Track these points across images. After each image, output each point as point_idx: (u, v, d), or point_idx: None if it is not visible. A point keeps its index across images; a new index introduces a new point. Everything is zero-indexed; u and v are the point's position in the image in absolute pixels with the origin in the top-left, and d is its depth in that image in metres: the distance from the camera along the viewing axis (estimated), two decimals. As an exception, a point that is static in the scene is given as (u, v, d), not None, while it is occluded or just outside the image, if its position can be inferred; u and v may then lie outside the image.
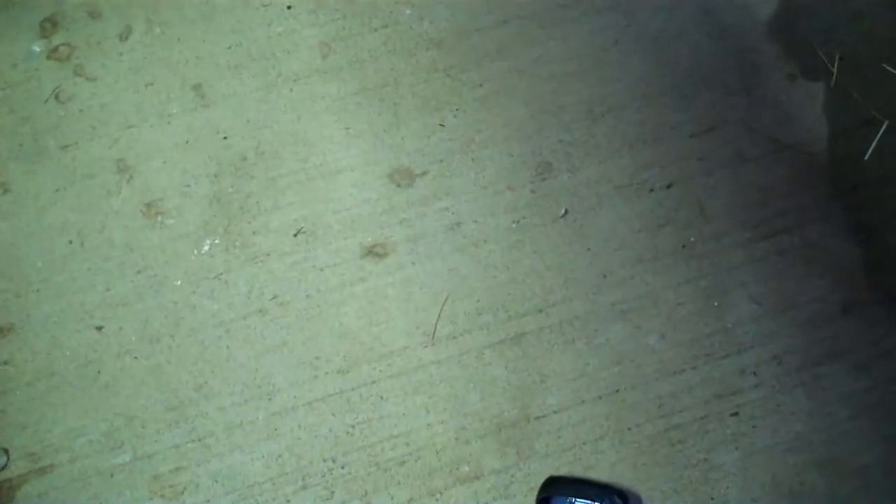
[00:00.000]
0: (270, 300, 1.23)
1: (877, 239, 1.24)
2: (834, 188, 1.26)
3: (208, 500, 1.16)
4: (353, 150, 1.30)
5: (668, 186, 1.27)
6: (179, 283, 1.24)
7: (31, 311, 1.23)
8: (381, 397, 1.22)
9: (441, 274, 1.24)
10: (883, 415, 1.20)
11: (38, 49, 1.38)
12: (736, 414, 1.19)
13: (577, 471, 1.14)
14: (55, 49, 1.38)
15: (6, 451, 1.14)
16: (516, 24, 1.39)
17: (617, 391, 1.21)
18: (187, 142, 1.28)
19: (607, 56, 1.36)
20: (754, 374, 1.23)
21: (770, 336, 1.26)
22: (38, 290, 1.24)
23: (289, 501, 1.16)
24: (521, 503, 1.13)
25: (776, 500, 1.16)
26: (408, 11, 1.38)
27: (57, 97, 1.34)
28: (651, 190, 1.27)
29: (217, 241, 1.25)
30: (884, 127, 1.27)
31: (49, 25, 1.40)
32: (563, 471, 1.15)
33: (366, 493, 1.16)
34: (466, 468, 1.14)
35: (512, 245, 1.25)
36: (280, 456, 1.18)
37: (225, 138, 1.27)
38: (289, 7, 1.40)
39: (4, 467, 1.16)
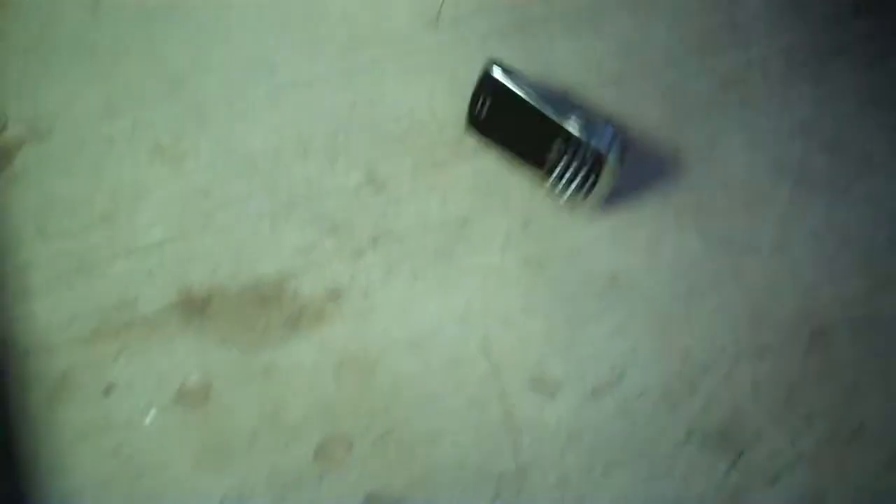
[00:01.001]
0: (269, -15, 1.24)
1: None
2: None
3: (210, 166, 1.20)
4: None
5: None
6: (177, -38, 1.25)
7: (24, -13, 1.23)
8: (383, 77, 1.25)
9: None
10: (888, 107, 1.27)
11: None
12: (743, 101, 1.26)
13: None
14: None
15: (3, 118, 1.20)
16: None
17: (623, 77, 1.25)
18: None
19: None
20: (761, 66, 1.28)
21: (779, 31, 1.30)
22: (31, -32, 1.24)
23: (290, 168, 1.20)
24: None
25: (779, 180, 1.22)
26: None
27: None
28: None
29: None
30: None
31: None
32: None
33: (368, 162, 1.20)
34: (469, 144, 1.20)
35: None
36: (281, 127, 1.22)
37: None
38: None
39: (3, 131, 1.20)
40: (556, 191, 1.18)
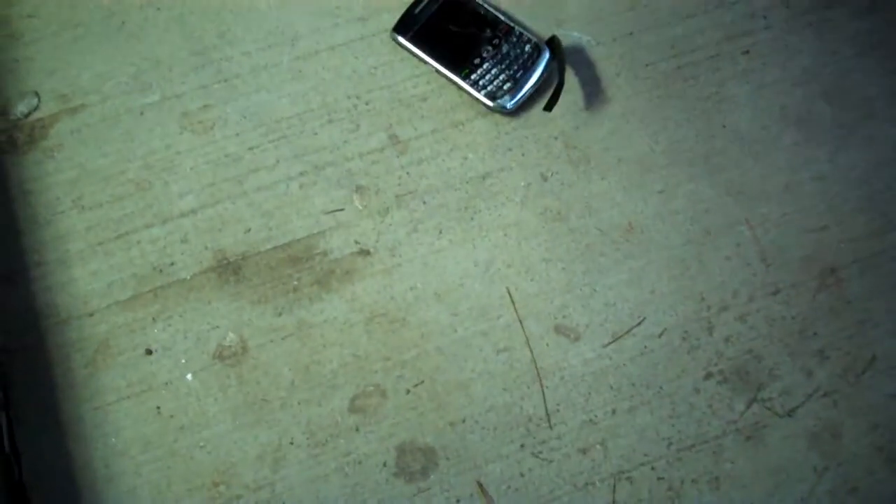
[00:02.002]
0: (289, -46, 1.18)
1: None
2: None
3: (237, 133, 1.16)
4: None
5: None
6: (198, -60, 1.19)
7: (51, -32, 1.18)
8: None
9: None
10: (888, 52, 1.22)
11: None
12: (747, 52, 1.19)
13: (599, 100, 1.10)
14: None
15: (37, 94, 1.15)
16: None
17: (631, 33, 1.22)
18: None
19: None
20: (764, 17, 1.24)
21: (780, -15, 1.18)
22: (57, -50, 1.19)
23: (316, 134, 1.16)
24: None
25: (785, 127, 1.17)
26: None
27: None
28: None
29: None
30: None
31: None
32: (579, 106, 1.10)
33: (390, 125, 1.16)
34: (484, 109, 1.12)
35: None
36: (305, 94, 1.18)
37: None
38: None
39: (36, 108, 1.16)
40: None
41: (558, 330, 1.07)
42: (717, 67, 1.20)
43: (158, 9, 1.23)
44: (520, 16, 1.21)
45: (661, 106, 1.19)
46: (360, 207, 1.14)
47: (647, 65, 1.20)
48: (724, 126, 1.18)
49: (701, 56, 1.20)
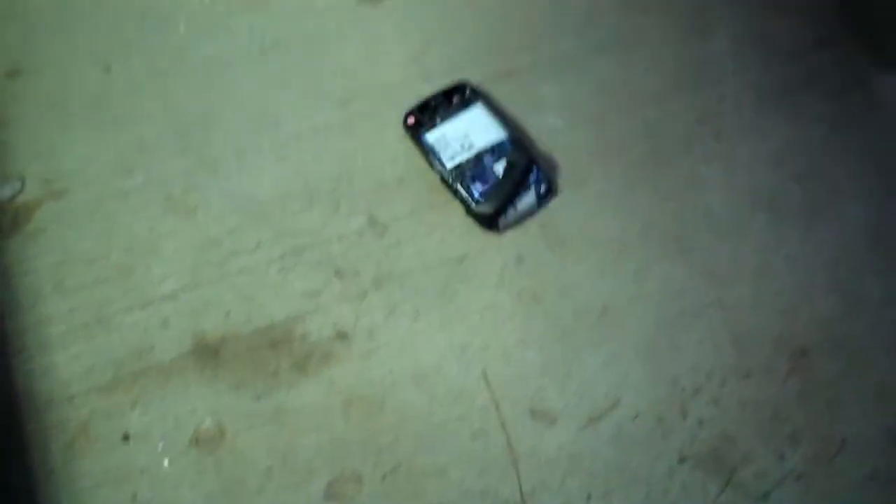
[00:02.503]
0: (272, 41, 1.23)
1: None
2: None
3: (219, 216, 1.15)
4: None
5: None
6: (183, 28, 1.23)
7: (39, 54, 1.22)
8: (382, 126, 1.21)
9: (435, 17, 1.24)
10: (854, 134, 1.23)
11: None
12: (718, 135, 1.19)
13: (570, 186, 1.10)
14: None
15: (22, 178, 1.13)
16: None
17: (604, 116, 1.21)
18: None
19: None
20: (734, 100, 1.23)
21: (748, 67, 1.26)
22: (45, 37, 1.24)
23: (296, 216, 1.15)
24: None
25: (756, 209, 1.17)
26: None
27: None
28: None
29: (218, -11, 1.21)
30: None
31: None
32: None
33: (370, 207, 1.16)
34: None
35: (502, -11, 1.20)
36: (287, 177, 1.18)
37: None
38: None
39: (20, 192, 1.15)
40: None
41: (534, 413, 1.06)
42: (689, 150, 1.20)
43: (143, 94, 1.22)
44: (496, 100, 1.22)
45: (634, 188, 1.18)
46: (339, 290, 1.12)
47: (619, 147, 1.20)
48: (695, 207, 1.17)
49: (673, 139, 1.20)
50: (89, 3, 1.26)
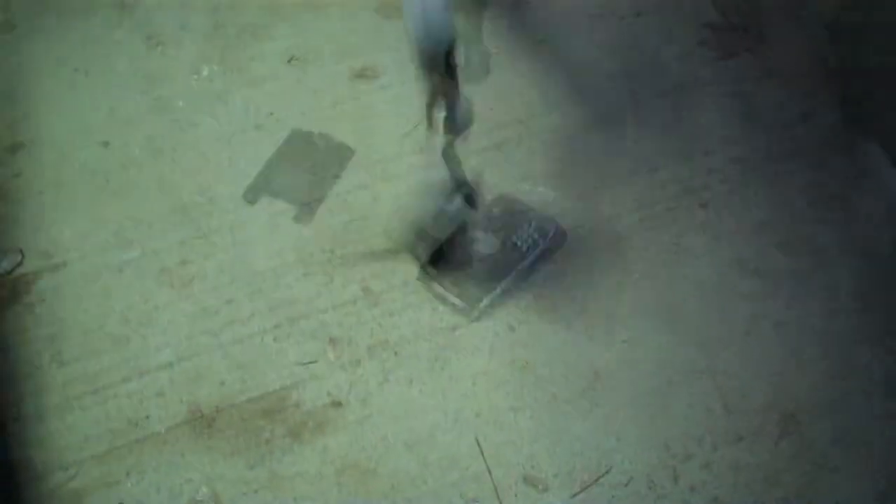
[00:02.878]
0: (267, 117, 1.29)
1: (833, 54, 1.37)
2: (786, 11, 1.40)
3: (215, 287, 1.20)
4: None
5: (637, 15, 1.33)
6: (181, 103, 1.29)
7: (39, 131, 1.28)
8: (375, 198, 1.27)
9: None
10: (837, 204, 1.28)
11: None
12: (704, 205, 1.24)
13: (558, 259, 1.17)
14: None
15: (20, 251, 1.18)
16: None
17: (595, 188, 1.26)
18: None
19: None
20: (721, 171, 1.29)
21: (735, 140, 1.32)
22: (46, 113, 1.29)
23: (291, 287, 1.20)
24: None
25: (742, 276, 1.22)
26: None
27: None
28: (622, 18, 1.33)
29: (215, 67, 1.31)
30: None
31: None
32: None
33: (363, 277, 1.20)
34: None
35: (494, 66, 1.29)
36: (282, 249, 1.23)
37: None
38: None
39: (20, 265, 1.20)
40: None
41: (527, 480, 1.09)
42: (676, 219, 1.26)
43: (141, 168, 1.28)
44: (488, 173, 1.27)
45: (624, 257, 1.23)
46: (333, 359, 1.16)
47: (609, 218, 1.25)
48: (684, 276, 1.22)
49: (661, 209, 1.26)
50: (89, 82, 1.35)
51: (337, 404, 1.13)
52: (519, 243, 1.23)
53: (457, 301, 1.17)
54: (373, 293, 1.20)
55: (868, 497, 1.08)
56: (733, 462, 1.12)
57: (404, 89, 1.34)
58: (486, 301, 1.18)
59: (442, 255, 1.16)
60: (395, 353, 1.17)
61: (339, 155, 1.30)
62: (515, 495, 1.09)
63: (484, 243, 1.21)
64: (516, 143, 1.31)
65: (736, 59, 1.38)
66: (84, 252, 1.23)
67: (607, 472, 1.11)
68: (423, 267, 1.17)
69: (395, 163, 1.30)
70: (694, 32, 1.40)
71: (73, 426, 1.11)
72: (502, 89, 1.33)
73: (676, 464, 1.11)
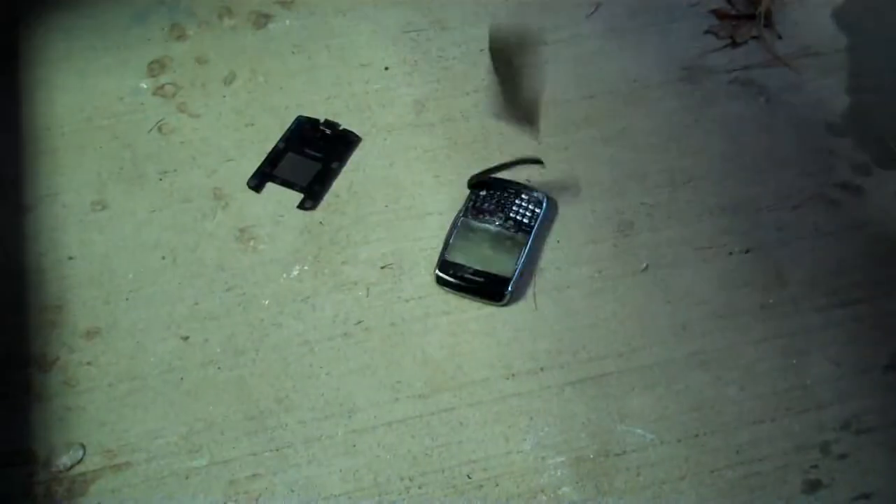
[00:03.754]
0: (355, 325, 1.30)
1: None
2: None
3: (282, 509, 1.13)
4: (442, 195, 1.41)
5: (747, 251, 1.37)
6: (267, 302, 1.32)
7: (118, 318, 1.30)
8: (461, 423, 1.26)
9: (524, 313, 1.31)
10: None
11: (144, 86, 1.52)
12: (815, 467, 1.23)
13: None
14: (161, 87, 1.52)
15: (83, 446, 1.19)
16: (602, 98, 1.50)
17: (696, 436, 1.26)
18: (283, 177, 1.37)
19: (687, 132, 1.47)
20: (833, 430, 1.27)
21: (849, 396, 1.31)
22: (127, 299, 1.32)
23: (365, 515, 1.13)
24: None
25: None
26: (498, 80, 1.50)
27: (160, 129, 1.46)
28: (730, 253, 1.36)
29: (306, 268, 1.34)
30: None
31: (157, 67, 1.55)
32: None
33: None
34: (544, 497, 1.19)
35: (593, 292, 1.33)
36: (357, 471, 1.22)
37: (319, 177, 1.36)
38: (386, 68, 1.53)
39: (80, 461, 1.20)
40: None
41: None
42: (785, 480, 1.24)
43: (219, 368, 1.29)
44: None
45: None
46: None
47: (712, 471, 1.24)
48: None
49: (768, 466, 1.25)
50: (176, 271, 1.40)
51: None
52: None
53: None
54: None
55: None
56: None
57: (499, 309, 1.42)
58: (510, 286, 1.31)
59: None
60: None
61: (427, 373, 1.32)
62: None
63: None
64: (615, 376, 1.35)
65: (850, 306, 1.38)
66: (150, 454, 1.23)
67: None
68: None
69: (484, 388, 1.33)
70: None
71: None
72: (600, 318, 1.42)
73: None
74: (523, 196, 1.44)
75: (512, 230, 1.41)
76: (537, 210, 1.43)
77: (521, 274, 1.39)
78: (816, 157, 1.49)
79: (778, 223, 1.44)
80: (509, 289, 1.38)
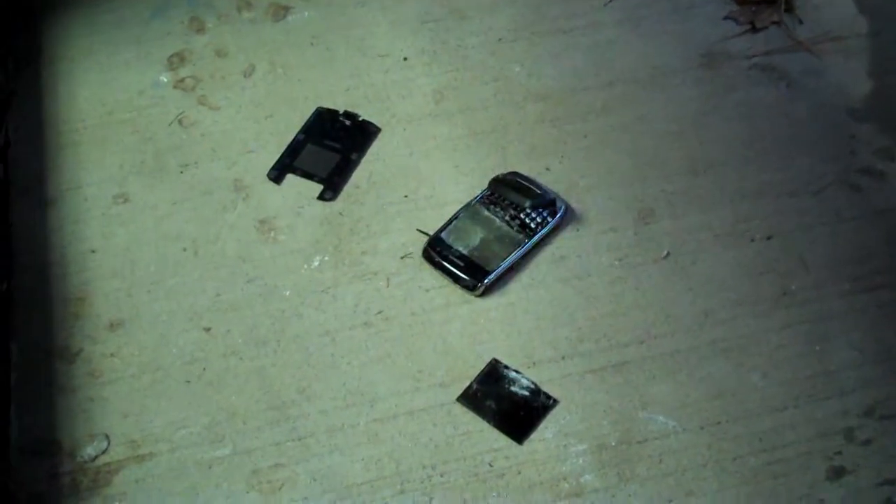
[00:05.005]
0: (376, 315, 1.30)
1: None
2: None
3: (305, 498, 1.19)
4: (462, 185, 1.41)
5: (769, 238, 1.36)
6: (288, 293, 1.32)
7: (141, 310, 1.31)
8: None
9: (544, 302, 1.32)
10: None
11: (164, 79, 1.52)
12: (839, 453, 1.22)
13: (679, 497, 1.15)
14: (181, 80, 1.53)
15: (107, 437, 1.20)
16: (621, 86, 1.50)
17: (719, 423, 1.25)
18: (303, 168, 1.37)
19: (707, 119, 1.46)
20: (857, 416, 1.26)
21: (872, 382, 1.30)
22: (149, 291, 1.33)
23: (386, 503, 1.18)
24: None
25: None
26: (517, 68, 1.51)
27: (180, 122, 1.46)
28: (752, 240, 1.35)
29: (327, 258, 1.34)
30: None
31: (177, 60, 1.55)
32: (665, 496, 1.15)
33: (464, 501, 1.19)
34: (566, 485, 1.18)
35: (614, 280, 1.33)
36: (379, 460, 1.22)
37: (339, 167, 1.36)
38: (405, 59, 1.52)
39: (104, 452, 1.20)
40: None
41: None
42: (808, 466, 1.23)
43: (241, 358, 1.30)
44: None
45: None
46: None
47: (734, 458, 1.23)
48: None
49: (791, 453, 1.24)
50: (198, 263, 1.40)
51: None
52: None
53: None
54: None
55: None
56: None
57: (518, 297, 1.40)
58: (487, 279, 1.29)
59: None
60: None
61: (447, 362, 1.32)
62: None
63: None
64: (637, 363, 1.34)
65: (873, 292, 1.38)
66: (173, 444, 1.23)
67: None
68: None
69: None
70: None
71: None
72: (622, 304, 1.40)
73: None
74: (540, 201, 1.42)
75: (515, 229, 1.37)
76: (549, 218, 1.40)
77: (504, 271, 1.36)
78: (838, 143, 1.46)
79: (800, 209, 1.42)
80: (485, 281, 1.35)
